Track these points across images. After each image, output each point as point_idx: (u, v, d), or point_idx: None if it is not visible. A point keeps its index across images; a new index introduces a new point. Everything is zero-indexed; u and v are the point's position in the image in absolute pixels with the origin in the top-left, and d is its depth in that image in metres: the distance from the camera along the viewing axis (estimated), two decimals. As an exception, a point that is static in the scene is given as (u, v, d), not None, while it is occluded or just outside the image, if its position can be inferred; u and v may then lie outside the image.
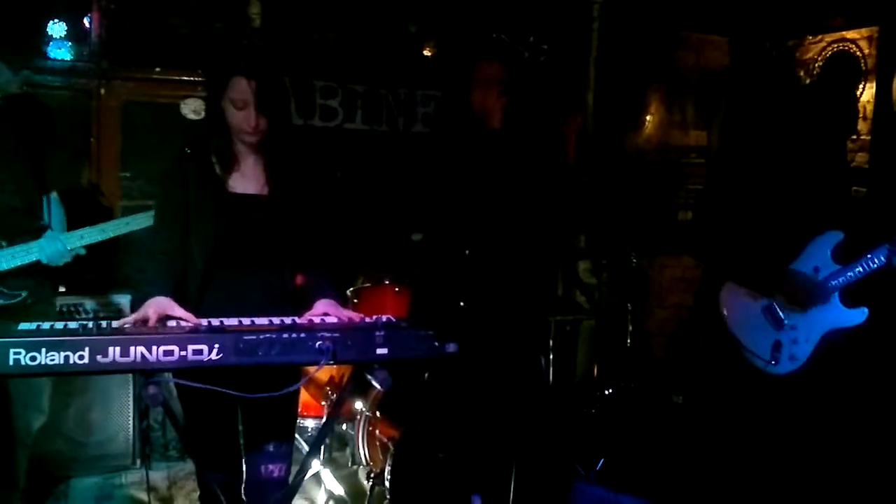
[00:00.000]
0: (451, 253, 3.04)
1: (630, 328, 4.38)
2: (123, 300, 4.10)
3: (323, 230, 2.58)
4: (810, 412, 2.82)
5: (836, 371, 2.77)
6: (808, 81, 5.41)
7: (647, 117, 5.87)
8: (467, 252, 3.01)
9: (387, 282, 4.06)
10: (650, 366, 4.99)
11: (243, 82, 2.32)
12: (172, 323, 2.19)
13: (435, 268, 3.17)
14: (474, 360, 2.83)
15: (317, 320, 2.31)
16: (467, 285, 3.01)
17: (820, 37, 5.38)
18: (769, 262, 2.85)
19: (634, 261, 4.42)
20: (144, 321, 2.17)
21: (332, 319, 2.32)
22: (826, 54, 5.34)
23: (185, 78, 4.81)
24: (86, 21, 4.72)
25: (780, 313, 2.83)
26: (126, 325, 2.13)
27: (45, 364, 1.88)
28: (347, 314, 2.37)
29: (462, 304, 2.99)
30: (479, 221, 3.00)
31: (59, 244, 2.97)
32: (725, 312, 2.97)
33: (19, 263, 2.94)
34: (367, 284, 4.13)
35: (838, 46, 5.26)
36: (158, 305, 2.22)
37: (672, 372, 5.00)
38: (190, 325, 2.18)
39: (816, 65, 5.39)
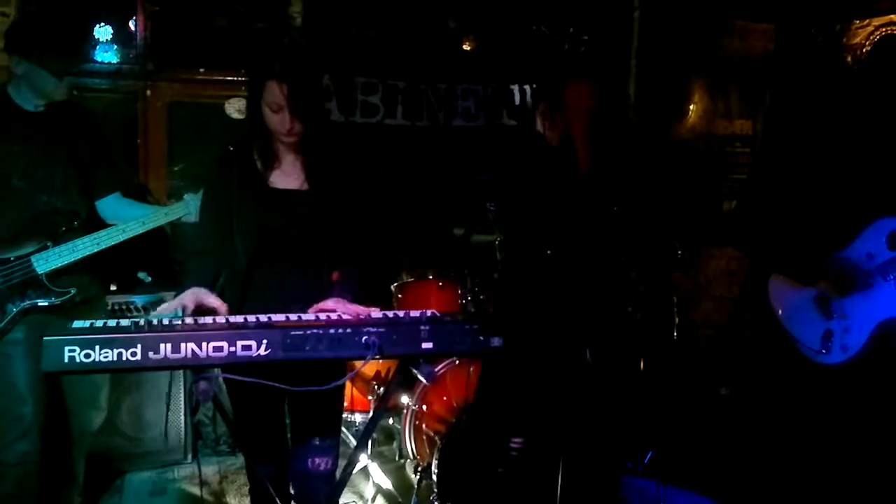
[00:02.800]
0: (533, 253, 3.03)
1: (676, 320, 4.34)
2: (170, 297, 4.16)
3: (362, 226, 2.60)
4: (863, 403, 2.77)
5: (892, 360, 2.71)
6: (855, 67, 5.30)
7: (691, 106, 5.79)
8: (549, 252, 3.00)
9: (430, 276, 4.07)
10: (696, 358, 4.94)
11: (277, 87, 2.34)
12: (220, 319, 2.23)
13: (517, 268, 3.17)
14: (523, 354, 2.82)
15: (322, 315, 2.30)
16: (549, 285, 3.00)
17: (867, 21, 5.26)
18: (813, 252, 2.80)
19: (679, 252, 4.36)
20: (182, 309, 2.22)
21: (334, 316, 2.31)
22: (874, 38, 5.22)
23: (229, 78, 4.87)
24: (131, 24, 4.81)
25: (831, 302, 2.79)
26: (164, 311, 2.17)
27: (99, 361, 1.91)
28: (355, 309, 2.34)
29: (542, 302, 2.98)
30: (561, 221, 3.00)
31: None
32: (774, 302, 2.93)
33: (142, 231, 3.07)
34: (411, 279, 4.14)
35: (886, 30, 5.14)
36: (195, 294, 2.28)
37: (719, 364, 4.94)
38: (225, 317, 2.23)
39: (864, 49, 5.27)
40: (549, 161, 3.00)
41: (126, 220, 3.16)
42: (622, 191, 3.10)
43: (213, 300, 2.29)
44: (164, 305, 2.25)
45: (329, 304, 2.38)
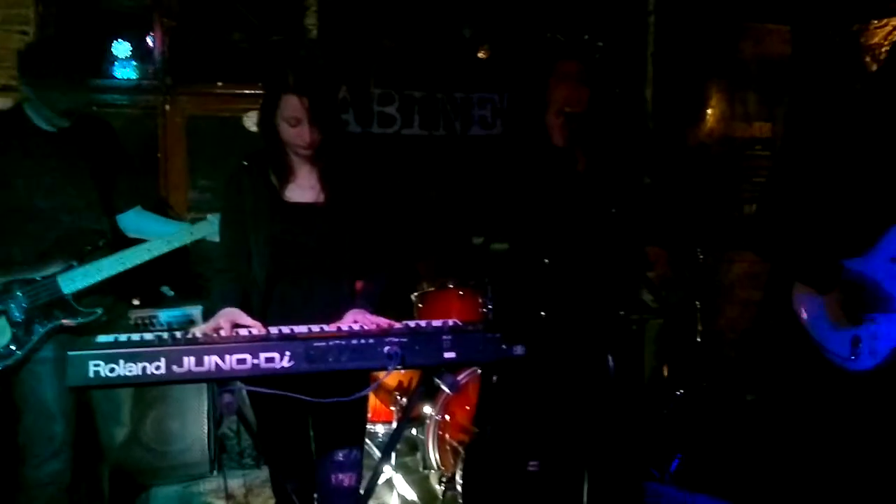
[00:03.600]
0: (531, 262, 3.02)
1: (699, 326, 4.30)
2: (195, 311, 4.17)
3: (379, 237, 2.60)
4: (893, 408, 2.73)
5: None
6: (874, 67, 5.25)
7: (709, 110, 5.76)
8: (546, 261, 2.99)
9: (451, 286, 4.06)
10: (721, 364, 4.89)
11: (295, 100, 2.35)
12: (243, 331, 2.23)
13: (515, 277, 3.16)
14: (545, 363, 2.81)
15: (345, 328, 2.31)
16: (547, 294, 2.99)
17: (885, 21, 5.21)
18: (831, 260, 2.77)
19: (701, 257, 4.33)
20: (216, 330, 2.22)
21: (356, 327, 2.31)
22: (892, 38, 5.17)
23: (247, 91, 4.89)
24: (149, 40, 4.85)
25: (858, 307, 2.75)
26: (199, 335, 2.18)
27: (124, 375, 1.93)
28: (375, 320, 2.35)
29: (543, 313, 2.97)
30: (560, 230, 2.98)
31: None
32: (800, 307, 2.89)
33: (168, 250, 3.06)
34: (432, 289, 4.14)
35: (905, 30, 5.10)
36: (229, 315, 2.28)
37: (744, 370, 4.90)
38: (261, 332, 2.22)
39: (883, 49, 5.22)
40: (552, 162, 2.99)
41: (147, 233, 3.18)
42: (626, 193, 3.08)
43: (246, 319, 2.29)
44: (199, 328, 2.26)
45: (350, 317, 2.38)
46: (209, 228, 3.11)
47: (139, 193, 3.31)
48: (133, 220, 3.26)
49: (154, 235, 3.15)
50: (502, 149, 3.40)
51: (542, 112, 3.03)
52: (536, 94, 3.05)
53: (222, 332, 2.21)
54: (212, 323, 2.26)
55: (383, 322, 2.35)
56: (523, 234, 3.07)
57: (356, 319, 2.37)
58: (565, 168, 2.97)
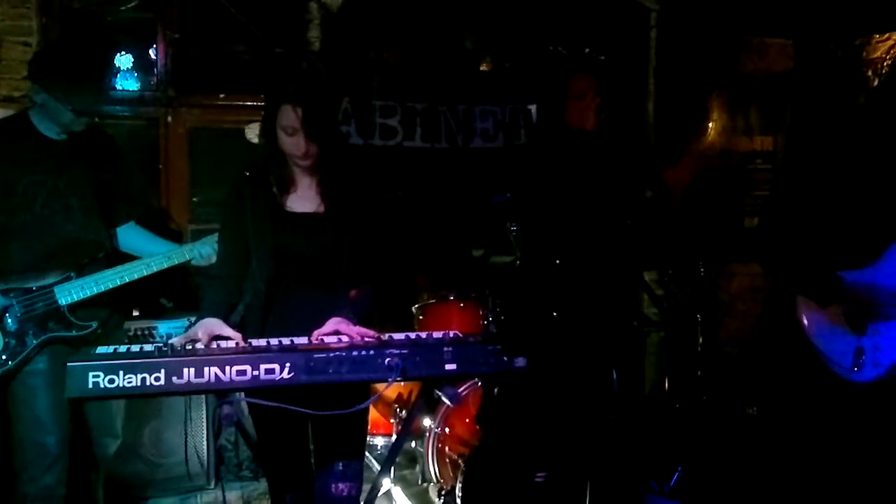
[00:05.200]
0: (542, 264, 3.04)
1: (700, 339, 4.29)
2: (194, 323, 4.17)
3: (378, 248, 2.59)
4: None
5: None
6: (876, 81, 5.26)
7: (710, 124, 5.77)
8: (557, 262, 3.00)
9: (451, 297, 4.05)
10: (722, 377, 4.88)
11: (290, 110, 2.35)
12: (223, 343, 2.22)
13: (527, 279, 3.18)
14: (548, 374, 2.81)
15: (329, 339, 2.29)
16: (558, 295, 3.01)
17: (888, 35, 5.23)
18: (833, 273, 2.76)
19: (702, 270, 4.33)
20: (194, 341, 2.21)
21: (343, 338, 2.30)
22: (895, 52, 5.18)
23: (249, 103, 4.92)
24: (151, 52, 4.87)
25: (861, 318, 2.74)
26: (177, 345, 2.16)
27: (123, 386, 1.93)
28: (358, 331, 2.33)
29: (554, 314, 2.99)
30: (570, 232, 3.01)
31: (208, 247, 3.07)
32: (803, 319, 2.89)
33: (167, 266, 3.06)
34: (432, 301, 4.13)
35: (908, 43, 5.11)
36: (208, 326, 2.27)
37: (745, 383, 4.88)
38: (248, 341, 2.23)
39: (885, 63, 5.23)
40: (581, 149, 3.03)
41: (138, 250, 3.16)
42: (631, 206, 3.11)
43: (226, 331, 2.28)
44: (175, 339, 2.23)
45: (331, 325, 2.36)
46: (208, 247, 3.10)
47: (135, 210, 3.29)
48: (126, 236, 3.23)
49: (144, 253, 3.14)
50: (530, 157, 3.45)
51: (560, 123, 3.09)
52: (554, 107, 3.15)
53: (199, 345, 2.19)
54: (190, 333, 2.26)
55: (366, 332, 2.34)
56: (535, 235, 3.10)
57: (338, 329, 2.35)
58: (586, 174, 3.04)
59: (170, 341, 2.20)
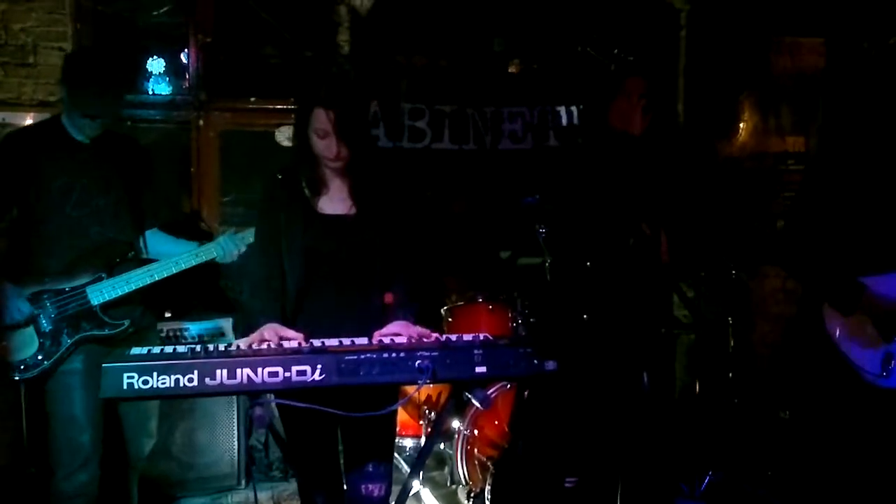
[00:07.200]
0: (574, 266, 3.03)
1: (732, 342, 4.25)
2: (225, 323, 4.21)
3: (408, 249, 2.60)
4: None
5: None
6: (910, 80, 5.18)
7: (741, 124, 5.71)
8: (588, 264, 3.00)
9: (480, 300, 4.05)
10: (754, 380, 4.83)
11: (323, 113, 2.37)
12: (286, 343, 2.24)
13: (557, 281, 3.17)
14: (578, 377, 2.80)
15: (386, 340, 2.31)
16: (589, 298, 3.00)
17: (922, 33, 5.15)
18: (852, 281, 2.72)
19: (734, 272, 4.29)
20: (263, 342, 2.24)
21: (401, 339, 2.31)
22: (929, 51, 5.10)
23: (279, 106, 4.95)
24: (183, 56, 4.92)
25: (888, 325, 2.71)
26: (244, 347, 2.19)
27: (157, 387, 1.94)
28: (419, 332, 2.36)
29: (585, 316, 2.98)
30: (603, 234, 3.00)
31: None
32: (831, 324, 2.85)
33: (196, 263, 3.08)
34: (461, 303, 4.13)
35: (942, 42, 5.02)
36: (272, 327, 2.31)
37: (778, 386, 4.83)
38: (279, 342, 2.24)
39: (919, 62, 5.15)
40: (624, 152, 3.03)
41: (159, 254, 3.19)
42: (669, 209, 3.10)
43: (290, 333, 2.31)
44: (243, 340, 2.28)
45: (394, 328, 2.39)
46: (230, 245, 3.12)
47: (161, 215, 3.34)
48: (152, 241, 3.27)
49: (165, 256, 3.16)
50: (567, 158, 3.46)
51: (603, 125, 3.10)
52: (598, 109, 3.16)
53: (271, 345, 2.22)
54: (257, 335, 2.29)
55: (426, 333, 2.36)
56: (567, 237, 3.10)
57: (400, 331, 2.37)
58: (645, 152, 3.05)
59: (236, 342, 2.24)
